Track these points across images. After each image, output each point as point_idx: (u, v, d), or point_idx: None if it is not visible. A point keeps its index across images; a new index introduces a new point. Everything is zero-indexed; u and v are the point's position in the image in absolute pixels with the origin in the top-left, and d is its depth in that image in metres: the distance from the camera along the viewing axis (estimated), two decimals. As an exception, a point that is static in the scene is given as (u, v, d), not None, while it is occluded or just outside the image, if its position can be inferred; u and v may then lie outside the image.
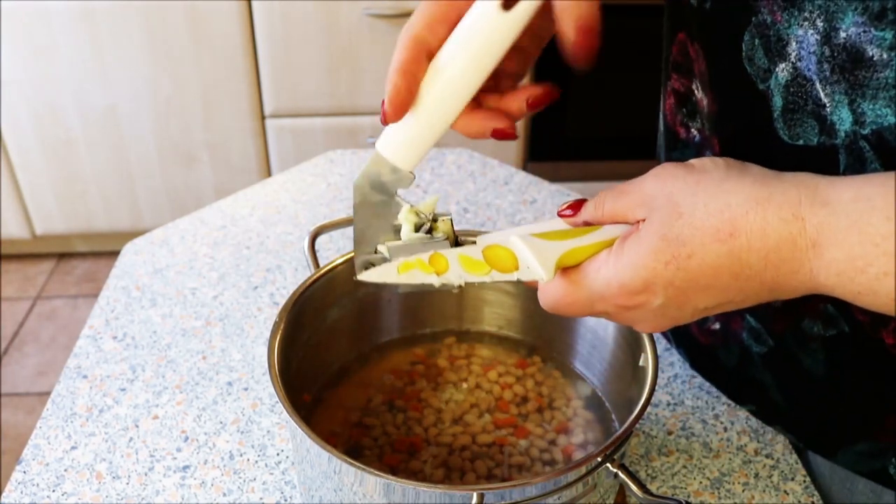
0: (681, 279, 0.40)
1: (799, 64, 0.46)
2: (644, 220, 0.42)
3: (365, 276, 0.46)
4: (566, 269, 0.43)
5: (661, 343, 0.74)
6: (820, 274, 0.38)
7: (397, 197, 0.46)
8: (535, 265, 0.42)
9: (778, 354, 0.58)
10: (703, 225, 0.39)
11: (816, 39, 0.44)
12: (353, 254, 0.60)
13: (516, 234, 0.44)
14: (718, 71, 0.52)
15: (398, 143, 0.45)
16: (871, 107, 0.44)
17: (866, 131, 0.44)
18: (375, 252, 0.48)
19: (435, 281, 0.44)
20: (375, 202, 0.47)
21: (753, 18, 0.48)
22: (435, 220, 0.47)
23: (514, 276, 0.44)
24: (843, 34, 0.43)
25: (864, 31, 0.42)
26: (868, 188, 0.37)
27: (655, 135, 0.68)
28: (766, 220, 0.38)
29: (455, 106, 0.44)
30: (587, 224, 0.46)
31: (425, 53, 0.44)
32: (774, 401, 0.61)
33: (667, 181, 0.42)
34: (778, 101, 0.48)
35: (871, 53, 0.42)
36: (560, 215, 0.47)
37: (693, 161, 0.43)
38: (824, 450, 0.59)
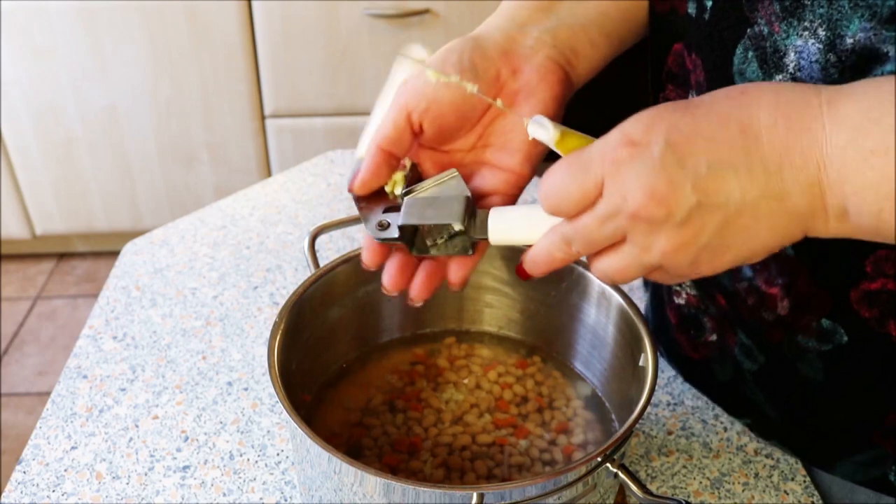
0: (686, 123, 0.38)
1: (798, 74, 0.45)
2: None
3: (402, 62, 0.48)
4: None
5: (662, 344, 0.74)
6: (833, 133, 0.36)
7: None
8: (547, 122, 0.43)
9: (770, 370, 0.57)
10: (715, 93, 0.39)
11: (818, 48, 0.44)
12: (352, 253, 0.60)
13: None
14: (716, 83, 0.52)
15: None
16: None
17: None
18: (386, 210, 0.50)
19: (457, 79, 0.46)
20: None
21: (749, 30, 0.47)
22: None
23: (525, 121, 0.45)
24: (849, 40, 0.43)
25: (875, 34, 0.42)
26: (878, 78, 0.38)
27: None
28: (779, 86, 0.38)
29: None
30: None
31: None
32: (769, 416, 0.61)
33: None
34: None
35: (885, 50, 0.42)
36: None
37: None
38: (822, 463, 0.59)
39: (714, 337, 0.62)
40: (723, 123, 0.37)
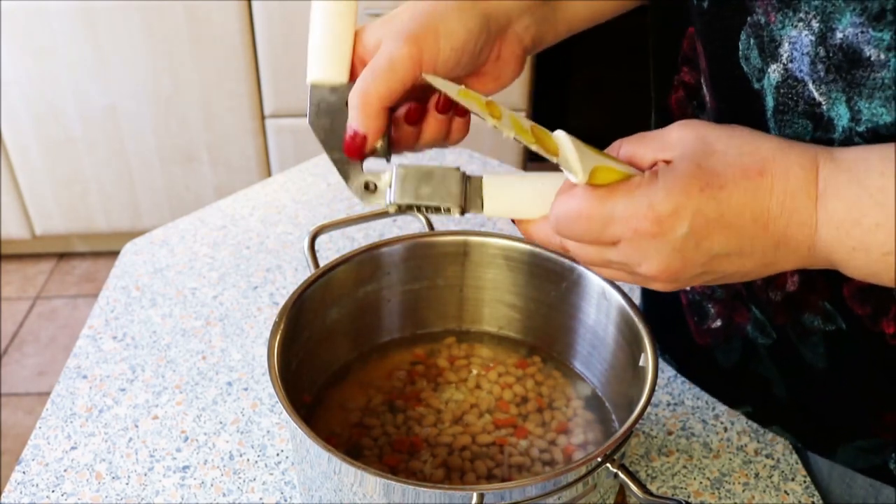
0: (710, 209, 0.40)
1: (790, 65, 0.46)
2: (673, 158, 0.42)
3: (430, 79, 0.45)
4: (594, 185, 0.42)
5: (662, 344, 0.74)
6: (822, 226, 0.40)
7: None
8: (575, 160, 0.42)
9: (782, 346, 0.58)
10: (735, 162, 0.41)
11: (811, 40, 0.45)
12: (352, 253, 0.60)
13: (560, 131, 0.44)
14: (716, 69, 0.52)
15: (322, 64, 0.47)
16: (866, 105, 0.44)
17: (861, 129, 0.45)
18: (361, 169, 0.48)
19: (489, 120, 0.43)
20: (337, 127, 0.47)
21: (749, 18, 0.48)
22: None
23: (554, 159, 0.43)
24: (839, 35, 0.43)
25: (862, 32, 0.42)
26: (867, 151, 0.40)
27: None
28: (788, 165, 0.40)
29: (352, 16, 0.47)
30: None
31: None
32: (776, 397, 0.61)
33: (697, 127, 0.43)
34: (770, 102, 0.48)
35: (868, 54, 0.43)
36: None
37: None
38: (824, 448, 0.59)
39: (718, 323, 0.62)
40: (740, 212, 0.41)
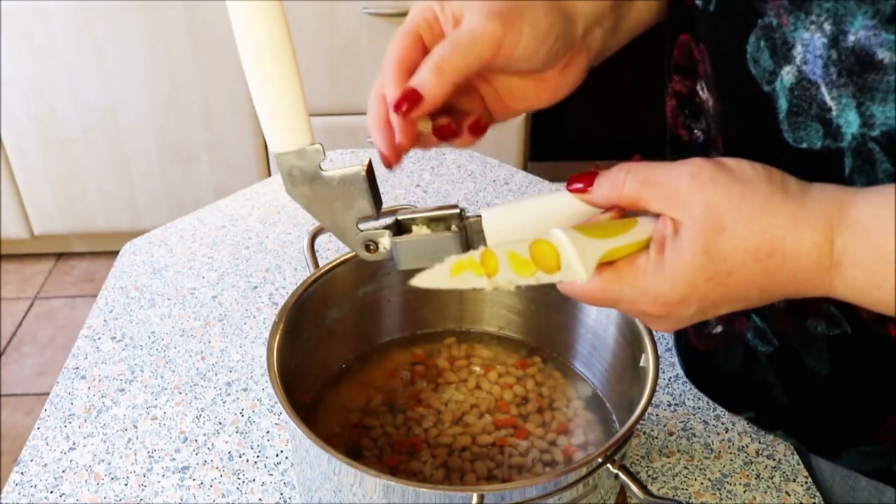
0: (717, 294, 0.41)
1: (804, 67, 0.46)
2: (680, 224, 0.41)
3: (417, 282, 0.43)
4: (600, 265, 0.43)
5: (662, 344, 0.74)
6: (837, 288, 0.40)
7: (324, 172, 0.46)
8: (577, 265, 0.42)
9: (783, 354, 0.57)
10: (744, 244, 0.40)
11: (823, 43, 0.44)
12: (352, 253, 0.60)
13: (559, 228, 0.43)
14: (723, 72, 0.52)
15: (281, 131, 0.46)
16: (880, 109, 0.44)
17: (875, 133, 0.44)
18: (357, 228, 0.47)
19: (486, 285, 0.42)
20: (317, 192, 0.47)
21: (759, 21, 0.47)
22: (443, 219, 0.48)
23: (557, 278, 0.43)
24: (851, 37, 0.43)
25: (875, 35, 0.42)
26: (884, 208, 0.39)
27: (662, 133, 0.67)
28: (800, 243, 0.40)
29: (293, 73, 0.47)
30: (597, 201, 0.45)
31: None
32: (778, 403, 0.60)
33: (707, 187, 0.41)
34: (783, 104, 0.48)
35: (880, 56, 0.42)
36: (570, 191, 0.45)
37: (731, 164, 0.42)
38: (828, 452, 0.59)
39: (719, 329, 0.62)
40: (747, 289, 0.41)
